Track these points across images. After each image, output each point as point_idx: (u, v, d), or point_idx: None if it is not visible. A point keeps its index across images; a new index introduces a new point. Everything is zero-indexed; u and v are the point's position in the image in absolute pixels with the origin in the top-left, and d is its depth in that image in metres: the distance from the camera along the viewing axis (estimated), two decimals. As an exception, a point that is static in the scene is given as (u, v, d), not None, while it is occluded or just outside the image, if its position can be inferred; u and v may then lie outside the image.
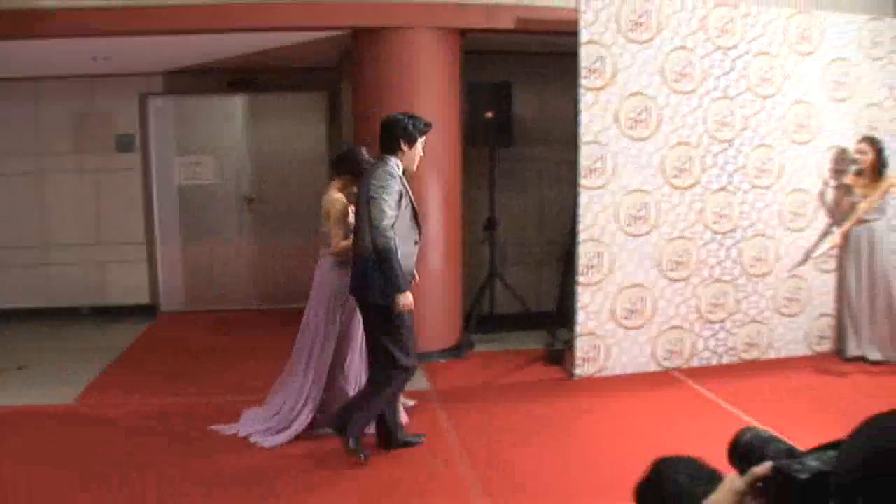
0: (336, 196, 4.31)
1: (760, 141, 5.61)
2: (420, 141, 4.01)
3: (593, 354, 5.39)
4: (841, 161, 5.87)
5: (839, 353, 5.92)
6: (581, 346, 5.35)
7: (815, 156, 5.80)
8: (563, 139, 6.42)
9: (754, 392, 5.04)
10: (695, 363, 5.62)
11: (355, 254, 4.01)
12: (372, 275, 3.82)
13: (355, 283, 3.99)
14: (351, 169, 4.33)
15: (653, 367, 5.53)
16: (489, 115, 6.02)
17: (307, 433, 4.29)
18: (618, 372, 5.43)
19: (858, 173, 5.69)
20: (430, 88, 5.69)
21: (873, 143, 5.66)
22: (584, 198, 5.22)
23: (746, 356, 5.75)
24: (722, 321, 5.64)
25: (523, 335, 6.36)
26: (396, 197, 3.82)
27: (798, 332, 5.92)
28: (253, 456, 4.12)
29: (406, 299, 3.81)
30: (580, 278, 5.27)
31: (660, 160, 5.35)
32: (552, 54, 6.21)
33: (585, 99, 5.17)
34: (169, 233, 7.67)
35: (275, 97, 7.70)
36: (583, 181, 5.20)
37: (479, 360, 5.84)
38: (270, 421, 4.34)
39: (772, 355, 5.80)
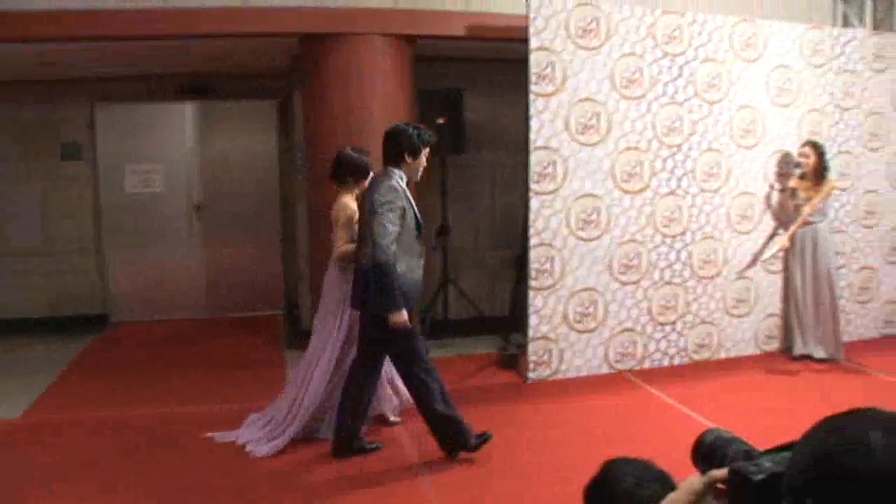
0: (345, 202, 4.32)
1: (708, 145, 5.72)
2: (424, 152, 4.02)
3: (546, 358, 5.42)
4: (785, 165, 6.01)
5: (786, 351, 6.07)
6: (534, 350, 5.38)
7: (760, 159, 5.94)
8: (514, 145, 6.47)
9: (705, 392, 5.14)
10: (647, 365, 5.70)
11: (357, 263, 4.03)
12: (372, 286, 3.82)
13: (356, 293, 4.01)
14: (348, 172, 4.35)
15: (605, 370, 5.59)
16: (441, 121, 6.02)
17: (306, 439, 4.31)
18: (571, 375, 5.47)
19: (802, 177, 5.83)
20: (381, 96, 5.70)
21: (815, 147, 5.82)
22: (535, 203, 5.25)
23: (697, 357, 5.84)
24: (673, 323, 5.73)
25: (477, 340, 6.38)
26: (399, 212, 3.83)
27: (747, 332, 6.04)
28: (217, 464, 4.07)
29: (400, 317, 3.79)
30: (532, 283, 5.30)
31: (610, 165, 5.42)
32: (504, 60, 6.25)
33: (536, 105, 5.21)
34: (119, 241, 7.51)
35: (226, 105, 7.63)
36: (534, 186, 5.24)
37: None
38: (263, 429, 4.33)
39: (722, 355, 5.91)
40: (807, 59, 6.08)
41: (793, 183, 5.89)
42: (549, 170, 5.28)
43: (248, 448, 4.21)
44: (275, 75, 7.35)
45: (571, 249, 5.36)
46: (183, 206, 7.69)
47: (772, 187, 6.01)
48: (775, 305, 6.13)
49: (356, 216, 4.23)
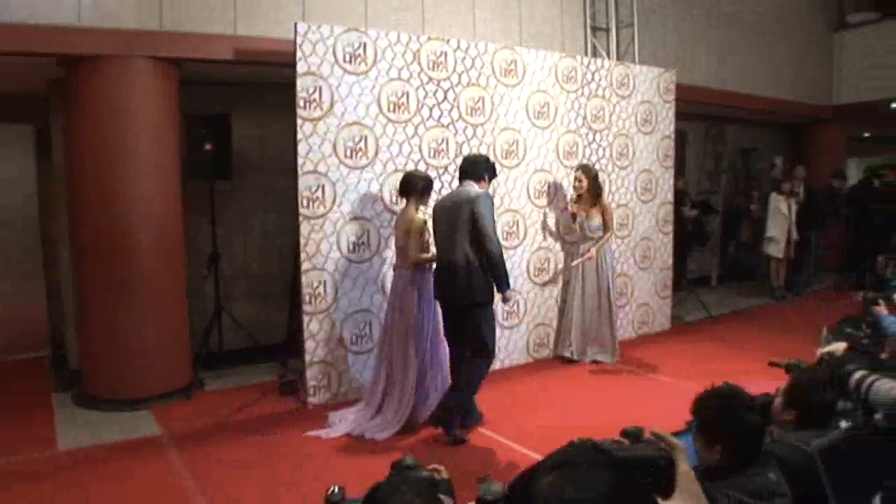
0: (414, 215, 4.91)
1: (473, 166, 6.02)
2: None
3: (325, 382, 5.47)
4: (556, 193, 6.61)
5: (558, 357, 6.65)
6: (313, 375, 5.41)
7: (522, 178, 6.39)
8: (283, 169, 6.50)
9: (492, 403, 5.27)
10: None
11: (449, 264, 4.70)
12: (474, 279, 4.64)
13: (450, 288, 4.70)
14: (413, 189, 4.98)
15: (385, 389, 5.69)
16: (209, 147, 5.89)
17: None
18: (351, 397, 5.55)
19: (577, 200, 6.45)
20: (145, 120, 5.46)
21: (587, 170, 6.45)
22: (305, 227, 5.30)
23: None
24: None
25: (255, 369, 6.32)
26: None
27: (520, 341, 6.43)
28: None
29: (511, 293, 4.88)
30: (306, 307, 5.34)
31: (378, 187, 5.57)
32: (272, 84, 6.24)
33: (304, 129, 5.28)
34: None
35: (-27, 128, 6.98)
36: (303, 210, 5.29)
37: (210, 399, 5.68)
38: (376, 419, 4.91)
39: (497, 366, 6.21)
40: (562, 85, 6.62)
41: (572, 209, 6.49)
42: (318, 193, 5.34)
43: (366, 435, 4.78)
44: (33, 98, 6.82)
45: (343, 272, 5.46)
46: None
47: (545, 215, 6.61)
48: (545, 315, 6.58)
49: (426, 227, 4.93)
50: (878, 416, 2.48)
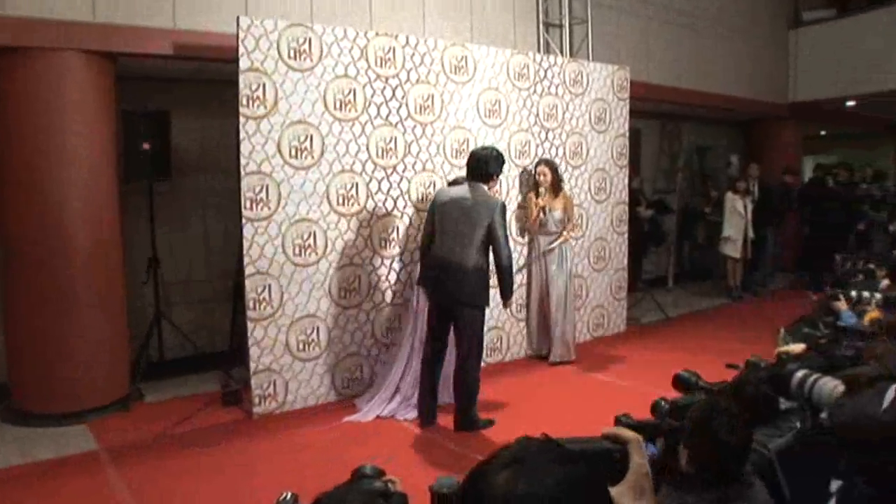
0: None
1: (423, 166, 6.10)
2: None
3: (271, 391, 5.45)
4: (527, 183, 6.87)
5: (531, 357, 6.96)
6: (258, 384, 5.39)
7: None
8: (226, 169, 6.47)
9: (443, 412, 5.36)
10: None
11: (451, 263, 4.97)
12: (480, 283, 5.00)
13: (453, 287, 4.98)
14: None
15: (333, 398, 5.74)
16: (146, 146, 5.82)
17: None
18: (298, 406, 5.56)
19: (537, 195, 6.68)
20: (77, 117, 5.35)
21: (549, 164, 6.72)
22: (248, 229, 5.28)
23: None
24: (399, 343, 5.98)
25: (198, 378, 6.25)
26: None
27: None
28: None
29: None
30: (250, 313, 5.33)
31: (325, 188, 5.58)
32: (214, 81, 6.20)
33: (247, 127, 5.24)
34: None
35: None
36: (246, 212, 5.27)
37: (150, 411, 5.62)
38: (396, 397, 5.48)
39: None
40: (514, 83, 6.71)
41: (541, 201, 6.64)
42: (262, 195, 5.32)
43: (398, 416, 5.34)
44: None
45: (289, 276, 5.46)
46: None
47: (522, 207, 6.84)
48: (496, 318, 6.66)
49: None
50: (823, 415, 2.51)
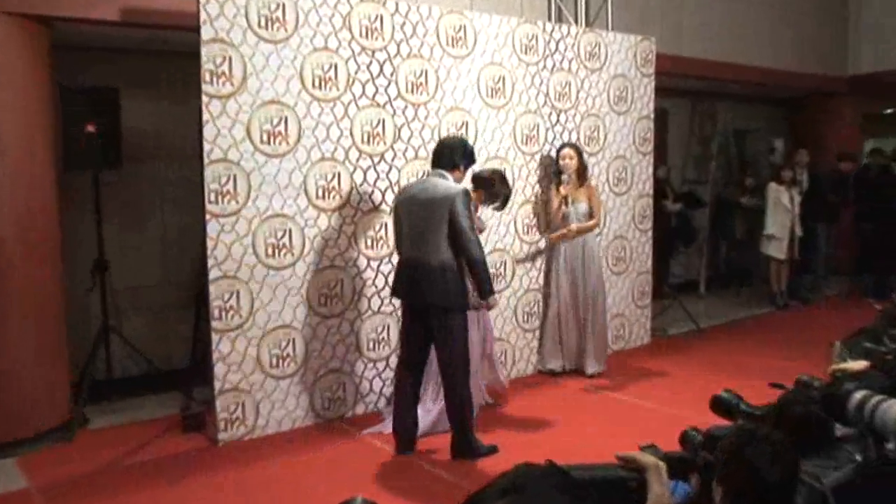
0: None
1: (415, 153, 6.26)
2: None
3: (239, 414, 5.60)
4: (547, 171, 7.06)
5: (541, 372, 7.19)
6: (223, 406, 5.53)
7: (473, 167, 6.54)
8: (187, 156, 6.58)
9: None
10: (360, 410, 6.11)
11: (418, 264, 5.10)
12: (450, 283, 5.08)
13: (423, 288, 5.10)
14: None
15: (311, 421, 5.91)
16: (91, 128, 5.90)
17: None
18: (271, 431, 5.71)
19: (559, 183, 6.91)
20: (5, 93, 5.35)
21: (575, 148, 6.92)
22: (213, 227, 5.41)
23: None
24: (386, 358, 6.15)
25: (153, 400, 6.38)
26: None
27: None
28: None
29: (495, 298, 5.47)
30: (215, 323, 5.47)
31: (302, 179, 5.73)
32: (171, 53, 6.30)
33: (210, 108, 5.34)
34: None
35: None
36: (211, 207, 5.39)
37: (96, 439, 5.72)
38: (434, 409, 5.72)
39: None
40: (520, 57, 6.87)
41: (563, 190, 6.84)
42: (229, 186, 5.45)
43: (439, 427, 5.58)
44: None
45: (260, 281, 5.60)
46: None
47: (538, 197, 7.05)
48: (501, 329, 6.82)
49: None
50: (889, 445, 2.51)
